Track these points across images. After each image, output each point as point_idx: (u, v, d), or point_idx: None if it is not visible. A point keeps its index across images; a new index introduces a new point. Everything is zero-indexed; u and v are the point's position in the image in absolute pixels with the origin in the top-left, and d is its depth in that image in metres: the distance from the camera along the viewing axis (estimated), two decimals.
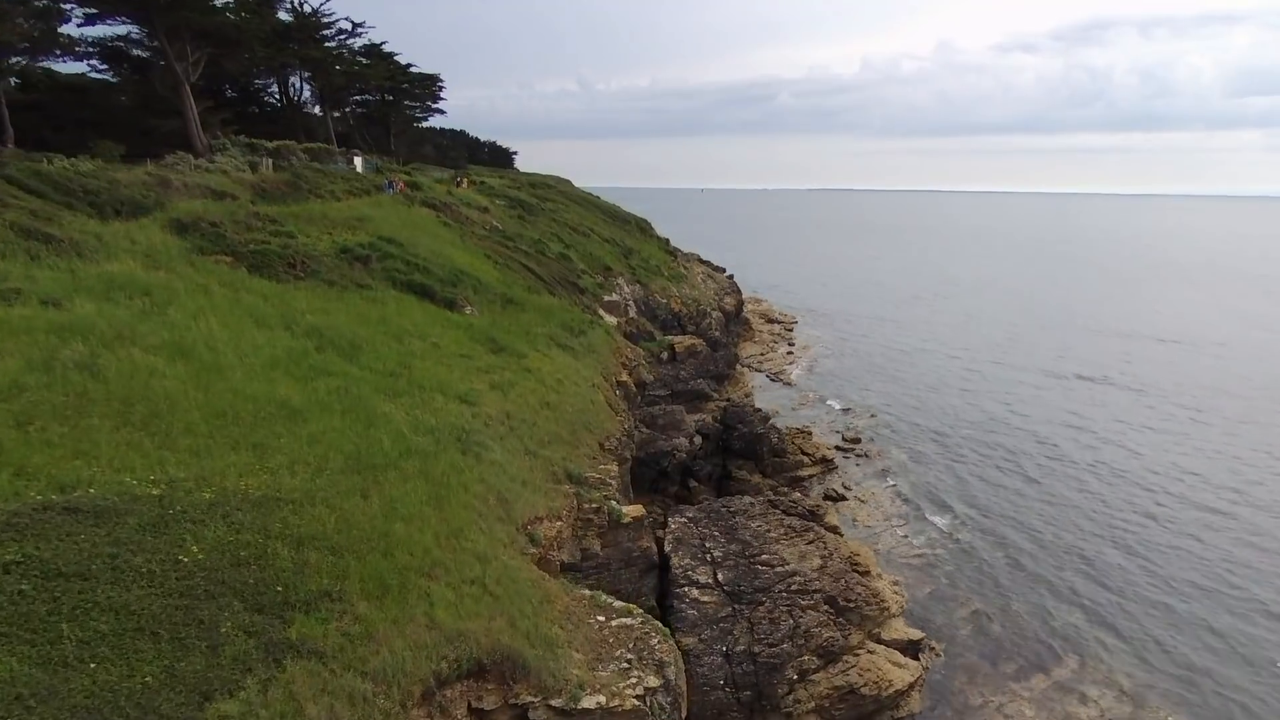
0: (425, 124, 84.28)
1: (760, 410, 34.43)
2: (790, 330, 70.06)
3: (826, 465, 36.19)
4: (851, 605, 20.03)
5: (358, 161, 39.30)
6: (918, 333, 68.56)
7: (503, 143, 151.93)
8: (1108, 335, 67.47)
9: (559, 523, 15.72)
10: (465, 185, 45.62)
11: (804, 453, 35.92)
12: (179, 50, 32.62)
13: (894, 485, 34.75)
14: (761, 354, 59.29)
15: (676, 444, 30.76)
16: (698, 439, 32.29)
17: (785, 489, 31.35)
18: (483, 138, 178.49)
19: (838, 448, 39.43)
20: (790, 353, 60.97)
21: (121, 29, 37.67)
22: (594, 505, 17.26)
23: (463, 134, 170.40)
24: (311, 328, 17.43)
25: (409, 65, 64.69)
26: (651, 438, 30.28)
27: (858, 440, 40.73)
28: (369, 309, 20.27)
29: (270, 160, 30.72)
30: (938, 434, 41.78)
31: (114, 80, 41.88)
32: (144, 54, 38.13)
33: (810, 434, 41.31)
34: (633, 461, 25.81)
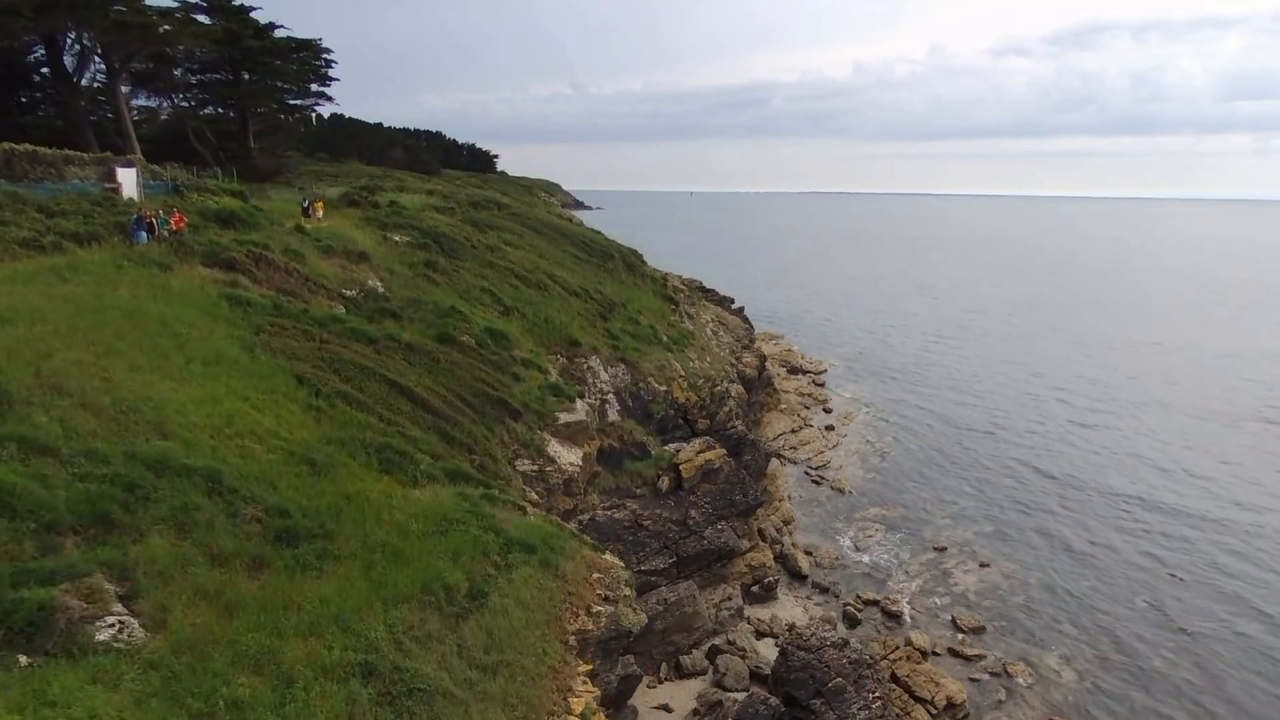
0: (316, 113, 64.14)
1: (842, 649, 18.56)
2: (821, 385, 54.47)
3: (954, 715, 20.55)
4: None
5: (125, 176, 22.66)
6: (974, 397, 51.97)
7: (494, 147, 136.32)
8: (1240, 419, 47.76)
9: None
10: (321, 214, 27.08)
11: (916, 697, 20.25)
12: None
13: None
14: (794, 431, 43.54)
15: None
16: None
17: None
18: (476, 142, 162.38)
19: (952, 651, 23.81)
20: (830, 427, 45.30)
21: None
22: None
23: (439, 136, 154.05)
24: None
25: (272, 25, 44.11)
26: None
27: (980, 630, 25.14)
28: None
29: None
30: (1092, 616, 26.35)
31: None
32: None
33: (900, 616, 25.77)
34: None
